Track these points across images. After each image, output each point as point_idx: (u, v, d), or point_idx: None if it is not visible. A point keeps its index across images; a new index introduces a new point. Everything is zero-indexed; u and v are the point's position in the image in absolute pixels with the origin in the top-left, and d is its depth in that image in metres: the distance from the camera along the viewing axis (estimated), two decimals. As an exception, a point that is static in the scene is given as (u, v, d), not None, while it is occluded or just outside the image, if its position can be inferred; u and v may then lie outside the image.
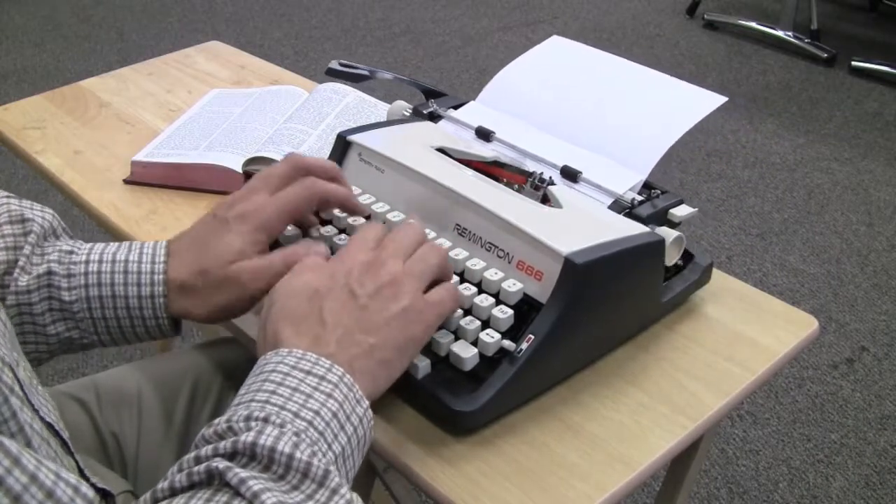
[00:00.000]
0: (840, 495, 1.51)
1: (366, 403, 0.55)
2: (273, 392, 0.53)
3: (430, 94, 0.92)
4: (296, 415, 0.52)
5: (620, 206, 0.75)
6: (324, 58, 3.06)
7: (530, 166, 0.80)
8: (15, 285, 0.67)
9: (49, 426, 0.55)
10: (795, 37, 3.15)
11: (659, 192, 0.77)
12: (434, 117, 0.89)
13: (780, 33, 3.18)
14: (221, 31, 3.31)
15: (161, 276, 0.68)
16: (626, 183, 0.77)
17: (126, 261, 0.69)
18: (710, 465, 1.56)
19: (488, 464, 0.62)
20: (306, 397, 0.53)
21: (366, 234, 0.64)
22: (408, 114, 0.90)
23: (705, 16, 3.37)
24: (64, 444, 0.57)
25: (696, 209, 0.78)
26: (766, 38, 3.22)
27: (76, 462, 0.59)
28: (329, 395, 0.53)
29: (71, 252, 0.69)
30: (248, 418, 0.51)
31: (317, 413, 0.52)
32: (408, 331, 0.59)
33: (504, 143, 0.83)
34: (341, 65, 0.97)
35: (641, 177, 0.77)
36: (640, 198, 0.75)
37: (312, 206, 0.71)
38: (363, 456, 0.56)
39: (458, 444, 0.64)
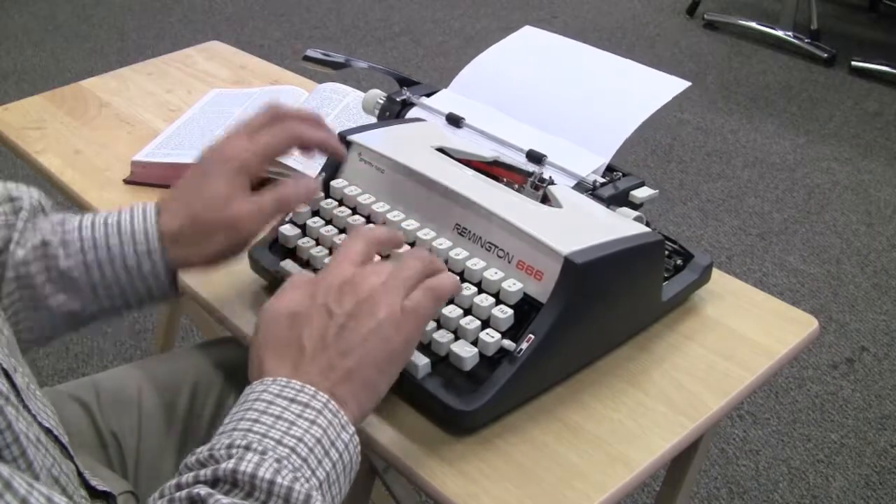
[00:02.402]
0: (840, 495, 1.51)
1: (351, 429, 0.55)
2: (256, 420, 0.52)
3: (404, 82, 0.94)
4: (278, 442, 0.51)
5: (583, 188, 0.77)
6: (324, 58, 3.05)
7: (500, 151, 0.81)
8: (12, 259, 0.68)
9: (48, 431, 0.55)
10: (795, 37, 3.14)
11: (621, 174, 0.78)
12: (406, 105, 0.90)
13: (780, 33, 3.17)
14: (221, 31, 3.31)
15: (154, 230, 0.69)
16: (590, 166, 0.78)
17: (118, 222, 0.70)
18: (710, 465, 1.56)
19: (488, 463, 0.63)
20: (289, 424, 0.52)
21: (352, 246, 0.62)
22: (381, 101, 0.91)
23: (705, 16, 3.37)
24: (63, 448, 0.57)
25: (657, 191, 0.79)
26: (766, 38, 3.21)
27: (75, 466, 0.59)
28: (312, 422, 0.53)
29: (63, 222, 0.71)
30: (229, 446, 0.51)
31: (300, 440, 0.52)
32: (387, 346, 0.57)
33: (473, 128, 0.84)
34: (319, 53, 0.99)
35: (604, 160, 0.79)
36: (602, 180, 0.77)
37: (290, 147, 0.73)
38: (351, 482, 0.55)
39: (458, 443, 0.64)
